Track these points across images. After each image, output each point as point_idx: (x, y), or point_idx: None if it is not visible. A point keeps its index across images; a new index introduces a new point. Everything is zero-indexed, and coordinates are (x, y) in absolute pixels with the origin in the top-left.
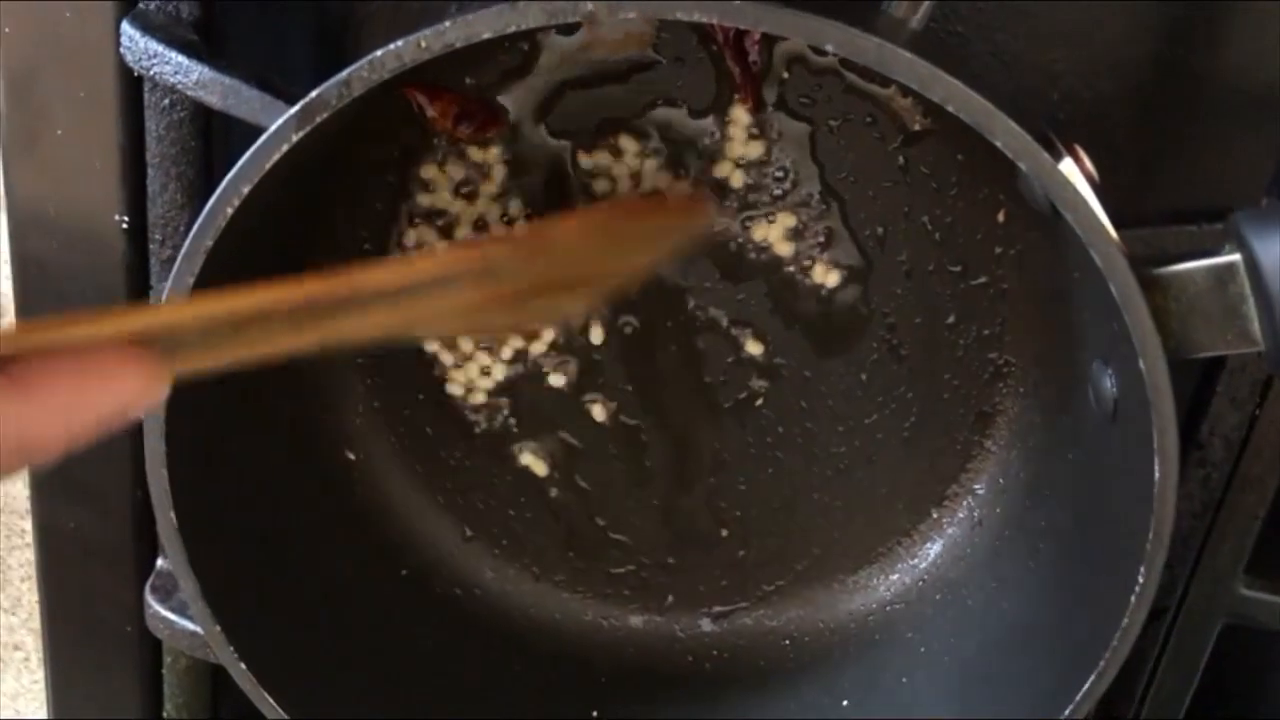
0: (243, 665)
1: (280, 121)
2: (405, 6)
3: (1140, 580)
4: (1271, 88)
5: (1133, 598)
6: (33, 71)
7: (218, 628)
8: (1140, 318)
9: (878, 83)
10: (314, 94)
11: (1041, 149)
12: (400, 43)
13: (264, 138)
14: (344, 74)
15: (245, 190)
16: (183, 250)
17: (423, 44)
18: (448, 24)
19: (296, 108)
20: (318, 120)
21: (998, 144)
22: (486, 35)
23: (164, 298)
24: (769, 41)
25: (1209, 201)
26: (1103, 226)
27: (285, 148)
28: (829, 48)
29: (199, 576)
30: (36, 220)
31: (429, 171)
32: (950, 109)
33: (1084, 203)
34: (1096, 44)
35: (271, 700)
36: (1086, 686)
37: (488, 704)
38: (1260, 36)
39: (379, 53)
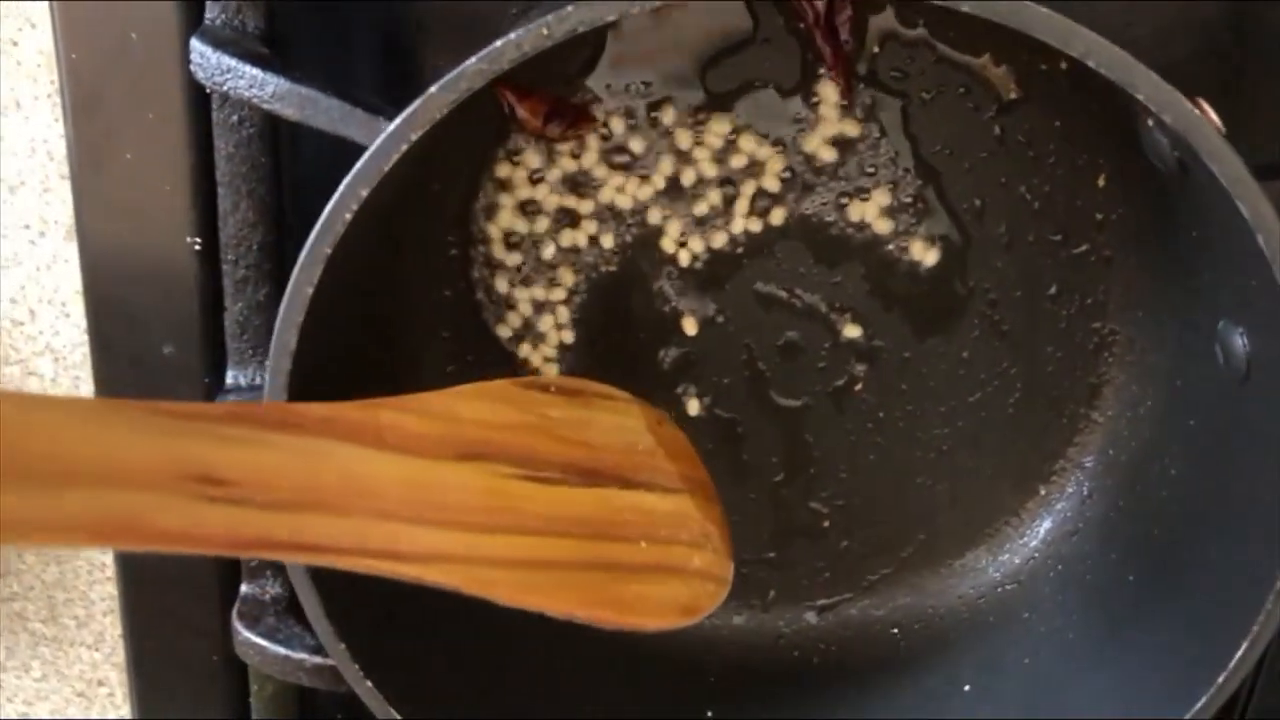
0: (369, 683)
1: (399, 120)
2: (467, 14)
3: None
4: None
5: None
6: (99, 96)
7: (343, 646)
8: None
9: (970, 53)
10: (432, 90)
11: (1184, 99)
12: (520, 31)
13: (382, 138)
14: (461, 68)
15: (364, 194)
16: (300, 259)
17: (545, 31)
18: (570, 9)
19: (415, 105)
20: (437, 117)
21: (1139, 95)
22: (611, 18)
23: (281, 310)
24: (861, 19)
25: None
26: (1247, 177)
27: (405, 147)
28: (964, 8)
29: (321, 595)
30: (108, 246)
31: (504, 170)
32: (1090, 63)
33: (1228, 152)
34: (1169, 7)
35: (390, 707)
36: (1241, 652)
37: (598, 708)
38: None
39: (498, 43)
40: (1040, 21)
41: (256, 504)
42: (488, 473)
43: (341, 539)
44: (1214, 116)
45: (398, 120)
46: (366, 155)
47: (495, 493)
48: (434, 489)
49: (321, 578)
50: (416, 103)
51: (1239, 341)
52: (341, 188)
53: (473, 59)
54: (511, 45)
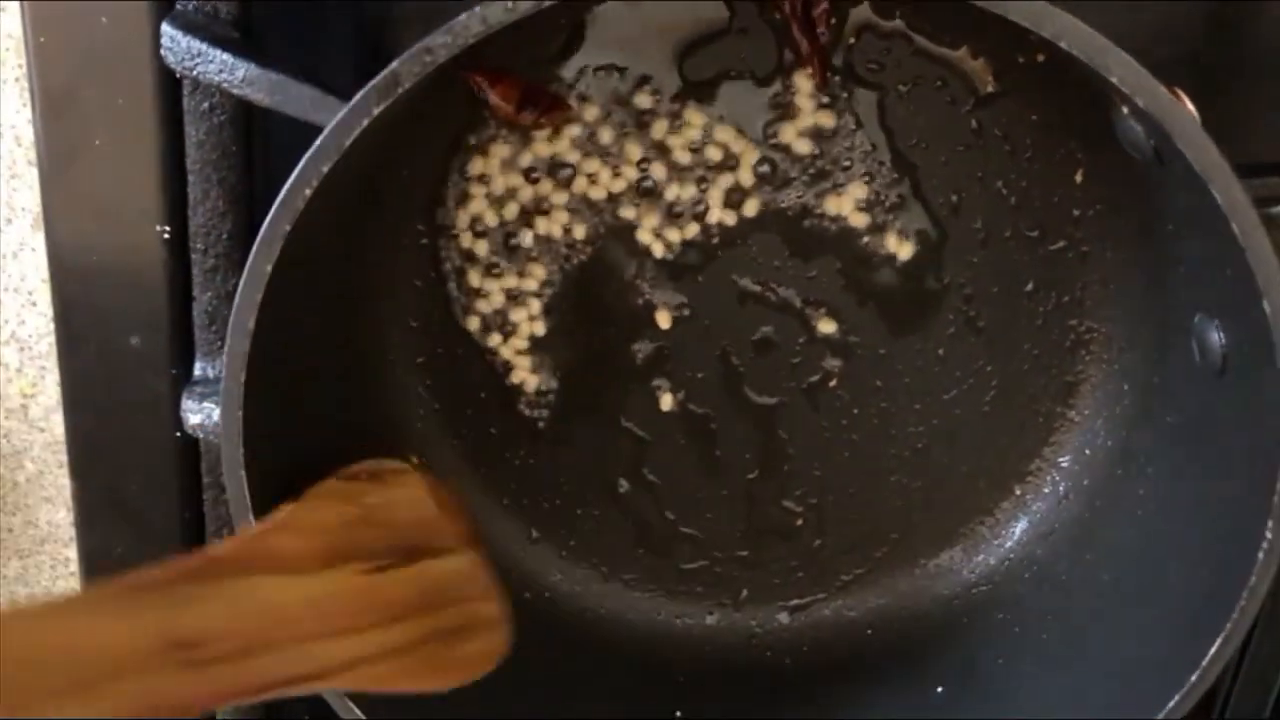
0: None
1: (360, 95)
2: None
3: (1269, 536)
4: None
5: (1260, 554)
6: (69, 82)
7: None
8: (1265, 256)
9: (947, 45)
10: (393, 64)
11: (1159, 84)
12: (484, 6)
13: (342, 113)
14: (423, 42)
15: (324, 169)
16: (259, 236)
17: (509, 5)
18: None
19: (378, 78)
20: (398, 93)
21: (1113, 79)
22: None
23: (239, 290)
24: (841, 13)
25: (1272, 156)
26: (1223, 164)
27: (366, 123)
28: None
29: None
30: (76, 234)
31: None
32: (1063, 45)
33: (1204, 139)
34: (1147, 10)
35: (353, 706)
36: (1213, 650)
37: (567, 708)
38: None
39: (462, 17)
40: (1014, 5)
41: (223, 658)
42: (349, 573)
43: (290, 669)
44: (1190, 107)
45: (358, 95)
46: (326, 131)
47: (359, 592)
48: (325, 602)
49: None
50: (378, 77)
51: (1215, 336)
52: (301, 164)
53: (436, 33)
54: (476, 19)
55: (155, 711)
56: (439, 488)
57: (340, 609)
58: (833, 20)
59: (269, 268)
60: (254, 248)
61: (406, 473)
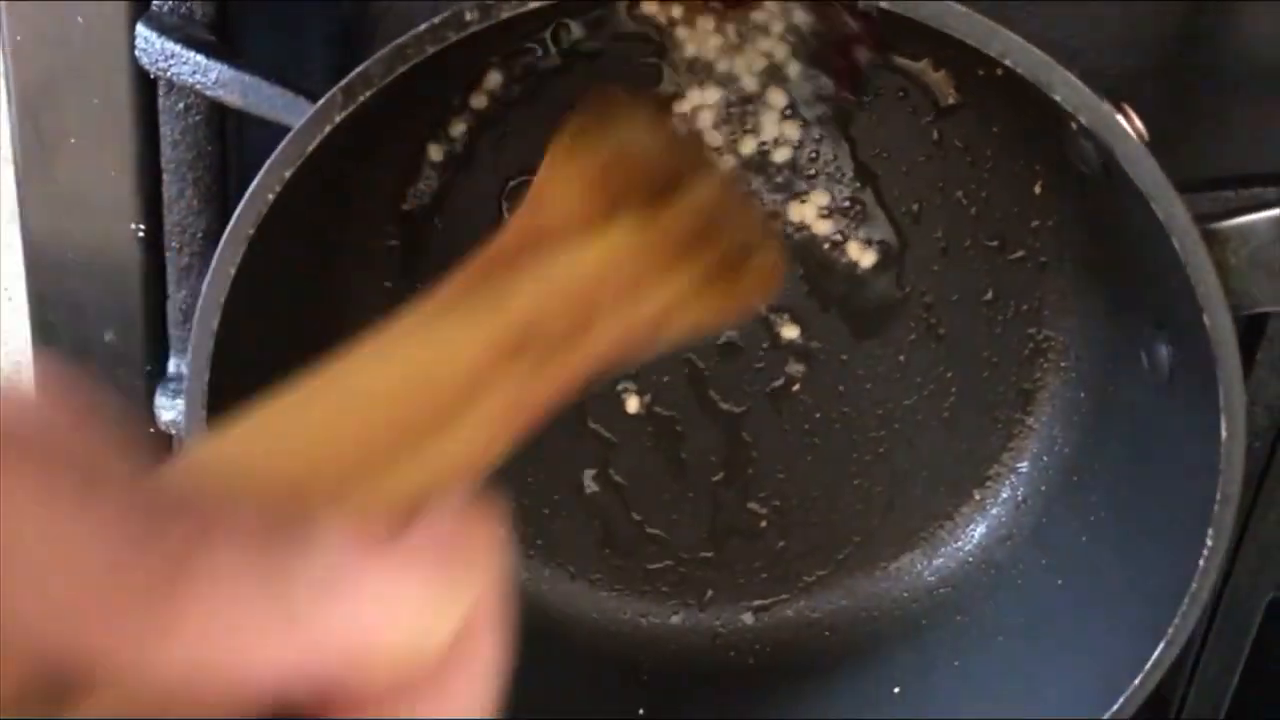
0: None
1: (324, 99)
2: (418, 4)
3: (1209, 544)
4: None
5: (1201, 561)
6: (45, 80)
7: None
8: (1204, 272)
9: (909, 57)
10: (358, 70)
11: (1102, 101)
12: (443, 16)
13: (304, 119)
14: (385, 50)
15: (287, 175)
16: (224, 238)
17: (469, 16)
18: None
19: (342, 84)
20: (362, 98)
21: (1056, 97)
22: (533, 5)
23: (203, 290)
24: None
25: (1238, 170)
26: (1164, 180)
27: (329, 128)
28: (884, 5)
29: None
30: (51, 231)
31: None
32: (1008, 63)
33: (1145, 156)
34: (1117, 22)
35: None
36: (1157, 654)
37: (532, 706)
38: (1275, 9)
39: (421, 28)
40: (961, 22)
41: (555, 350)
42: (629, 222)
43: (623, 326)
44: (1138, 123)
45: (318, 104)
46: (289, 137)
47: (649, 231)
48: (624, 250)
49: None
50: (342, 82)
51: (1163, 348)
52: (264, 169)
53: (396, 43)
54: (439, 28)
55: (527, 418)
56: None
57: (641, 253)
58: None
59: (232, 270)
60: (218, 250)
61: (627, 100)
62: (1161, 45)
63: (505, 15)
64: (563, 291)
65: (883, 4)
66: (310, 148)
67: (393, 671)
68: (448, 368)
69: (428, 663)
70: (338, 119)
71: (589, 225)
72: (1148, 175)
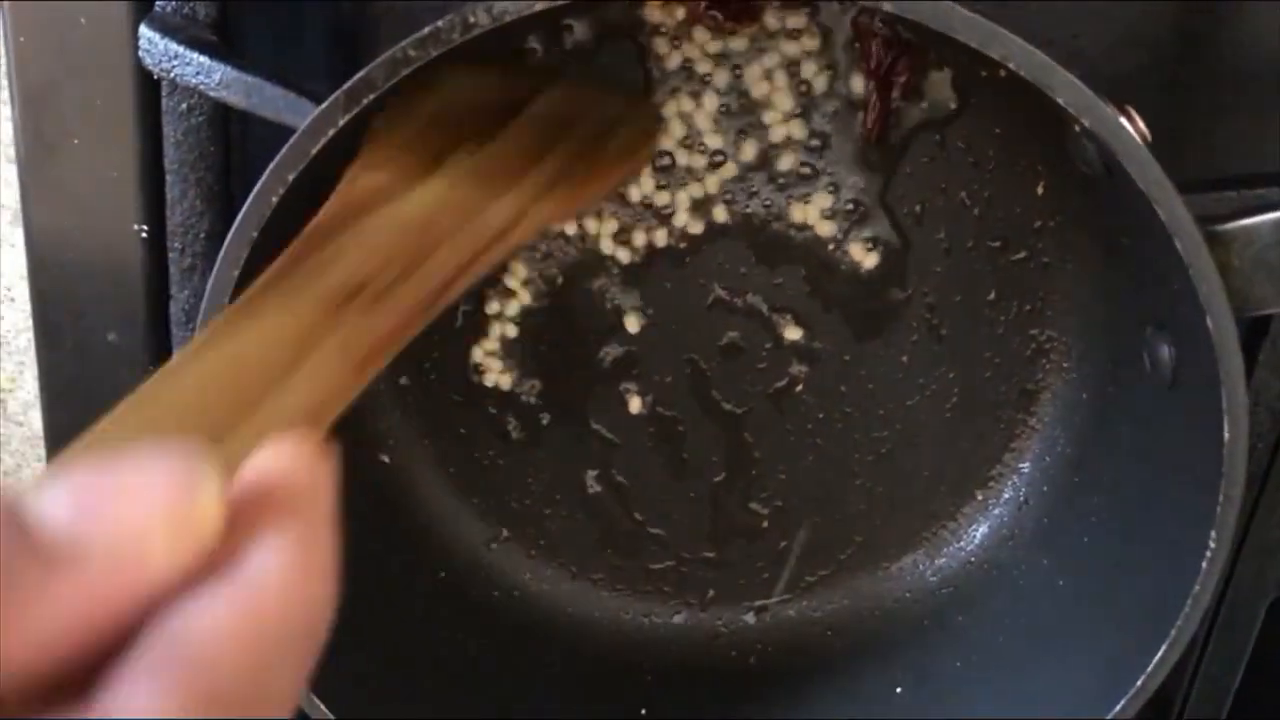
0: None
1: (327, 103)
2: (419, 5)
3: (1212, 545)
4: None
5: (1204, 563)
6: (48, 81)
7: None
8: (1207, 273)
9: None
10: (361, 74)
11: (1104, 104)
12: (450, 18)
13: (309, 120)
14: (389, 54)
15: (290, 178)
16: (228, 240)
17: (472, 19)
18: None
19: (344, 88)
20: (365, 102)
21: (1059, 99)
22: (538, 7)
23: (206, 292)
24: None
25: (1239, 170)
26: (1166, 182)
27: (332, 132)
28: (886, 7)
29: None
30: (54, 231)
31: None
32: (1011, 66)
33: (1147, 158)
34: (1118, 22)
35: (321, 705)
36: (1159, 656)
37: (535, 706)
38: (1277, 9)
39: (425, 30)
40: (963, 24)
41: (396, 282)
42: (460, 161)
43: (463, 255)
44: (1141, 125)
45: (324, 105)
46: (292, 140)
47: (481, 167)
48: (454, 191)
49: None
50: (344, 87)
51: (1165, 349)
52: (268, 172)
53: (401, 45)
54: (443, 31)
55: (367, 359)
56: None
57: (472, 187)
58: (907, 89)
59: (236, 272)
60: (221, 252)
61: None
62: (1164, 44)
63: (509, 19)
64: (387, 241)
65: (885, 6)
66: (314, 151)
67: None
68: (273, 334)
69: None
70: (341, 122)
71: (409, 181)
72: (1150, 177)
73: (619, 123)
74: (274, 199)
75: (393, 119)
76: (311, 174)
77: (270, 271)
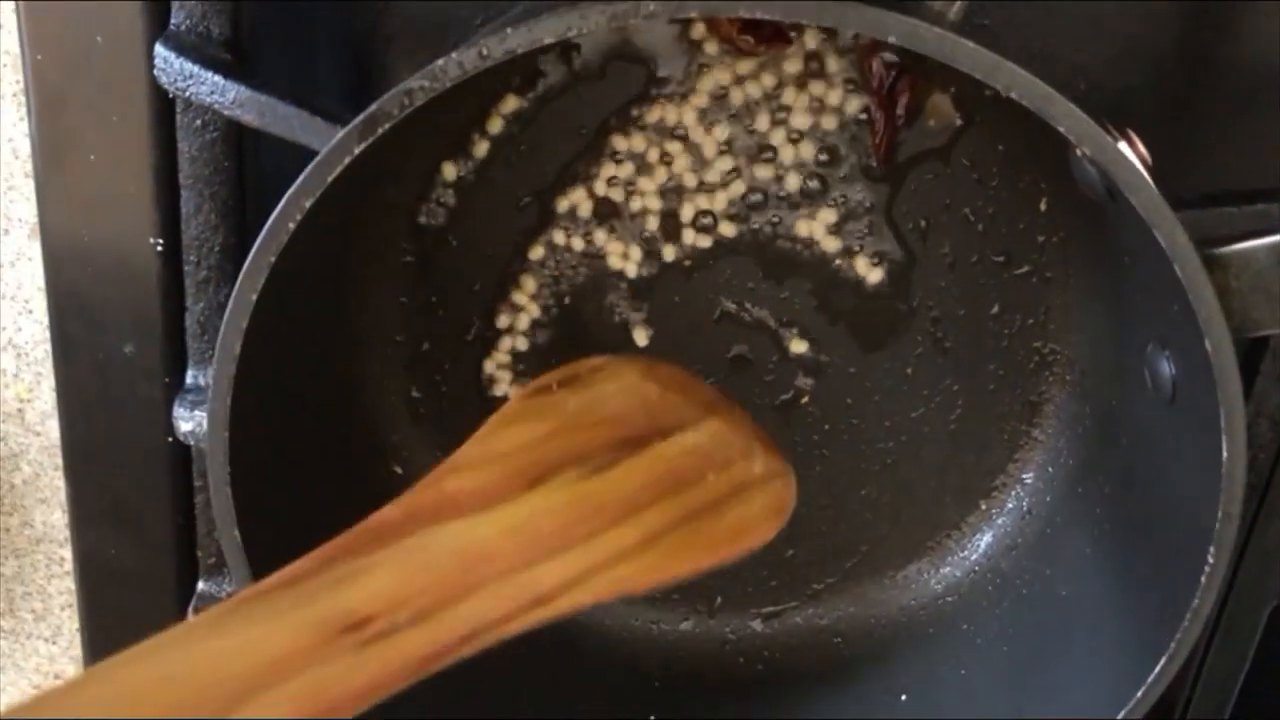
0: None
1: (342, 133)
2: (432, 22)
3: (1210, 561)
4: None
5: (1203, 578)
6: (64, 97)
7: None
8: (1205, 297)
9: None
10: (375, 105)
11: (1104, 131)
12: (461, 52)
13: (326, 150)
14: (404, 85)
15: (307, 204)
16: (245, 266)
17: (484, 51)
18: (509, 30)
19: (360, 119)
20: (380, 131)
21: (1060, 128)
22: (548, 40)
23: (225, 317)
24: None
25: (1241, 185)
26: (1164, 207)
27: (348, 160)
28: (891, 39)
29: None
30: (70, 246)
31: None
32: (1013, 95)
33: (1146, 184)
34: (1120, 36)
35: None
36: (1159, 667)
37: (542, 712)
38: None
39: (440, 61)
40: (966, 55)
41: (403, 625)
42: (558, 487)
43: (491, 614)
44: (1141, 149)
45: (340, 134)
46: (309, 168)
47: (576, 501)
48: (530, 526)
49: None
50: (360, 117)
51: (1165, 365)
52: (285, 198)
53: (414, 77)
54: (454, 64)
55: (335, 706)
56: (659, 369)
57: (553, 526)
58: (910, 106)
59: (254, 296)
60: (239, 277)
61: (612, 364)
62: (1167, 58)
63: (521, 51)
64: (424, 567)
65: (890, 39)
66: (330, 178)
67: None
68: (254, 645)
69: None
70: (357, 150)
71: (501, 495)
72: (1150, 203)
73: (752, 486)
74: (291, 225)
75: (531, 400)
76: (328, 198)
77: (294, 567)
